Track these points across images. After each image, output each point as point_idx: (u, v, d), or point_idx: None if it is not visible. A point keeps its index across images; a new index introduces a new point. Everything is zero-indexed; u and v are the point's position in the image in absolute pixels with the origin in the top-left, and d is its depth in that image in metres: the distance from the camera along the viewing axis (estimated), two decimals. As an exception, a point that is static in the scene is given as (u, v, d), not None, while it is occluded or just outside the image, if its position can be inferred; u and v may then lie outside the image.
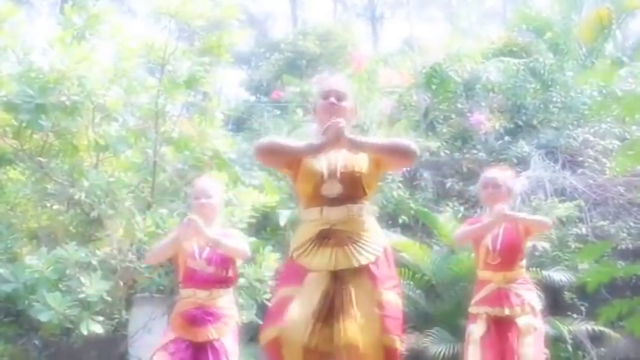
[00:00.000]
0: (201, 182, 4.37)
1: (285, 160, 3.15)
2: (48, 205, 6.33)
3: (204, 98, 7.36)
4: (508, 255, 4.30)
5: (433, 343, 6.88)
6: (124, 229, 5.75)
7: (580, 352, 7.13)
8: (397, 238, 7.73)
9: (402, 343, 2.94)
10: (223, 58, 6.63)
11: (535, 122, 9.62)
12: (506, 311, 4.20)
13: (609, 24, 9.71)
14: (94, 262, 5.44)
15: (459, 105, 9.90)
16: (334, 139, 2.96)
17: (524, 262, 4.44)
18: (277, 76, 15.55)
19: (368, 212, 3.12)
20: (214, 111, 6.82)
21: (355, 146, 3.00)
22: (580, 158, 8.87)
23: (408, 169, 8.79)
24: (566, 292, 7.42)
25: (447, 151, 9.30)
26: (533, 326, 4.23)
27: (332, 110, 3.09)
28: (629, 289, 7.09)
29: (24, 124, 5.78)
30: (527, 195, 8.21)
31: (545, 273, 7.13)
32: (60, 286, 5.26)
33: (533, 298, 4.35)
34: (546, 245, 7.30)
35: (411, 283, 7.49)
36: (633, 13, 10.07)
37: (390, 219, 8.46)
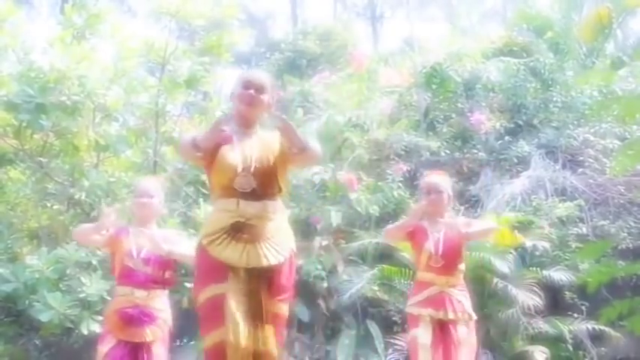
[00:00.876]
0: (144, 182, 4.41)
1: (192, 157, 3.25)
2: (48, 204, 6.33)
3: (204, 98, 7.37)
4: (450, 258, 4.35)
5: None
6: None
7: (581, 352, 7.13)
8: (398, 238, 7.73)
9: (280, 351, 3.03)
10: (223, 58, 6.64)
11: (535, 122, 9.62)
12: (450, 315, 4.24)
13: (609, 23, 9.69)
14: (94, 262, 5.44)
15: (459, 105, 9.90)
16: (210, 139, 2.97)
17: (463, 267, 4.47)
18: (277, 76, 15.52)
19: (282, 211, 3.15)
20: (214, 110, 6.83)
21: (283, 127, 2.98)
22: (580, 158, 8.87)
23: (409, 169, 8.79)
24: (566, 292, 7.43)
25: (448, 151, 9.30)
26: (469, 340, 4.28)
27: (250, 101, 3.12)
28: (629, 288, 7.09)
29: (24, 124, 5.78)
30: (527, 195, 8.21)
31: (545, 273, 7.13)
32: (60, 285, 5.27)
33: (470, 306, 4.39)
34: (547, 245, 7.31)
35: (412, 283, 7.47)
36: (633, 12, 10.06)
37: (390, 219, 8.45)
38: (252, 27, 19.10)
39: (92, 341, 5.51)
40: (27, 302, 5.19)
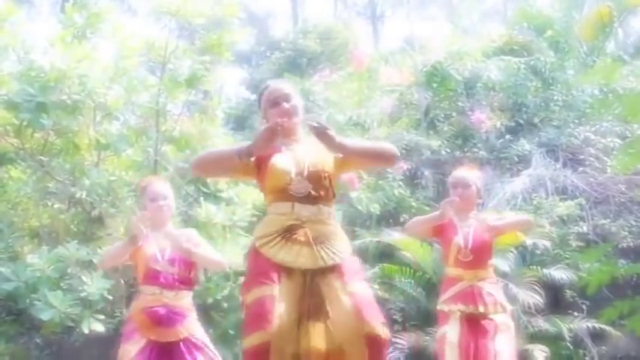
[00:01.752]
0: (156, 184, 4.32)
1: (225, 170, 3.17)
2: (49, 203, 6.33)
3: (204, 97, 7.36)
4: (479, 252, 4.30)
5: (434, 341, 6.86)
6: (125, 228, 5.75)
7: (581, 351, 7.14)
8: (398, 237, 7.74)
9: (384, 329, 2.85)
10: (224, 57, 6.63)
11: (536, 120, 9.63)
12: (481, 308, 4.19)
13: (610, 22, 9.71)
14: (95, 261, 5.44)
15: (459, 103, 9.90)
16: (267, 140, 2.91)
17: (493, 261, 4.44)
18: (278, 75, 15.52)
19: (335, 216, 3.11)
20: (215, 110, 6.83)
21: (339, 149, 2.96)
22: (581, 156, 8.88)
23: (409, 167, 8.80)
24: (567, 291, 7.43)
25: (448, 150, 9.30)
26: (506, 324, 4.25)
27: (286, 114, 3.09)
28: (630, 287, 7.09)
29: (25, 123, 5.78)
30: (528, 193, 8.22)
31: (546, 271, 7.14)
32: (61, 284, 5.27)
33: (503, 298, 4.35)
34: (547, 243, 7.31)
35: (412, 281, 7.50)
36: (634, 10, 10.06)
37: (391, 217, 8.47)
38: (253, 26, 19.10)
39: (93, 340, 5.53)
40: (28, 301, 5.18)
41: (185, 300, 4.07)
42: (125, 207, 5.78)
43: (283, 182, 2.99)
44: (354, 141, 3.12)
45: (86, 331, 5.18)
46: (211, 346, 4.07)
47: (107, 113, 6.18)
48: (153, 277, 4.02)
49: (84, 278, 5.20)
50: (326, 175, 3.03)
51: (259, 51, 19.67)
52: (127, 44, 6.32)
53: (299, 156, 3.04)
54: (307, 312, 2.84)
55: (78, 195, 5.76)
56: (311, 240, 2.93)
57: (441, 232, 4.43)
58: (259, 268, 2.95)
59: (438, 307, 4.39)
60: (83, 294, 5.13)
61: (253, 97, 16.90)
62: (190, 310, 4.08)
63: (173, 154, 6.58)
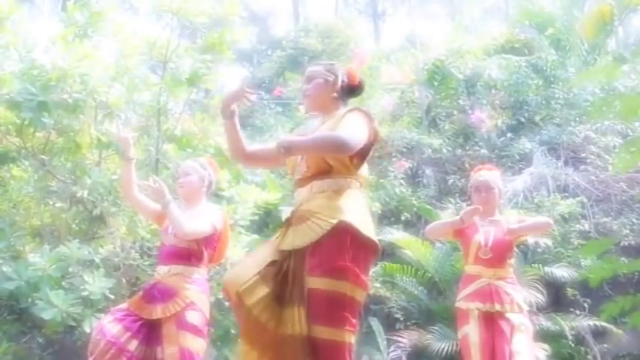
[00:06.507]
0: (184, 164, 4.52)
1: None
2: (51, 202, 6.32)
3: (206, 95, 7.36)
4: (499, 251, 4.30)
5: (436, 339, 6.89)
6: (127, 227, 5.75)
7: (583, 349, 7.14)
8: (400, 235, 7.75)
9: (328, 332, 2.81)
10: (225, 56, 6.62)
11: (537, 119, 9.63)
12: (497, 307, 4.20)
13: (611, 20, 9.72)
14: (97, 260, 5.44)
15: (461, 102, 9.91)
16: (228, 100, 3.44)
17: (513, 261, 4.44)
18: (279, 73, 15.57)
19: (333, 186, 3.01)
20: (216, 108, 6.82)
21: (287, 153, 2.92)
22: (582, 155, 8.89)
23: (410, 166, 8.80)
24: (568, 289, 7.44)
25: (449, 148, 9.30)
26: (524, 324, 4.26)
27: (302, 95, 3.34)
28: (631, 285, 7.10)
29: (26, 122, 5.77)
30: (529, 192, 8.22)
31: (547, 269, 7.15)
32: (63, 283, 5.26)
33: (521, 298, 4.36)
34: (549, 242, 7.32)
35: (414, 279, 7.51)
36: (635, 9, 10.06)
37: (392, 216, 8.48)
38: (254, 24, 19.14)
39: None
40: (29, 300, 5.18)
41: (179, 277, 3.99)
42: (126, 206, 5.78)
43: (291, 168, 3.18)
44: (302, 139, 3.04)
45: (88, 331, 5.16)
46: (192, 341, 3.92)
47: (108, 112, 6.16)
48: (159, 253, 4.20)
49: (85, 277, 5.20)
50: (319, 155, 3.04)
51: (261, 49, 19.67)
52: (128, 43, 6.31)
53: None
54: (287, 295, 2.90)
55: (79, 194, 5.75)
56: (297, 220, 2.99)
57: (461, 233, 4.43)
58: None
59: (456, 305, 4.38)
60: (85, 293, 5.13)
61: (254, 95, 16.88)
62: (183, 289, 3.95)
63: (175, 152, 6.57)
